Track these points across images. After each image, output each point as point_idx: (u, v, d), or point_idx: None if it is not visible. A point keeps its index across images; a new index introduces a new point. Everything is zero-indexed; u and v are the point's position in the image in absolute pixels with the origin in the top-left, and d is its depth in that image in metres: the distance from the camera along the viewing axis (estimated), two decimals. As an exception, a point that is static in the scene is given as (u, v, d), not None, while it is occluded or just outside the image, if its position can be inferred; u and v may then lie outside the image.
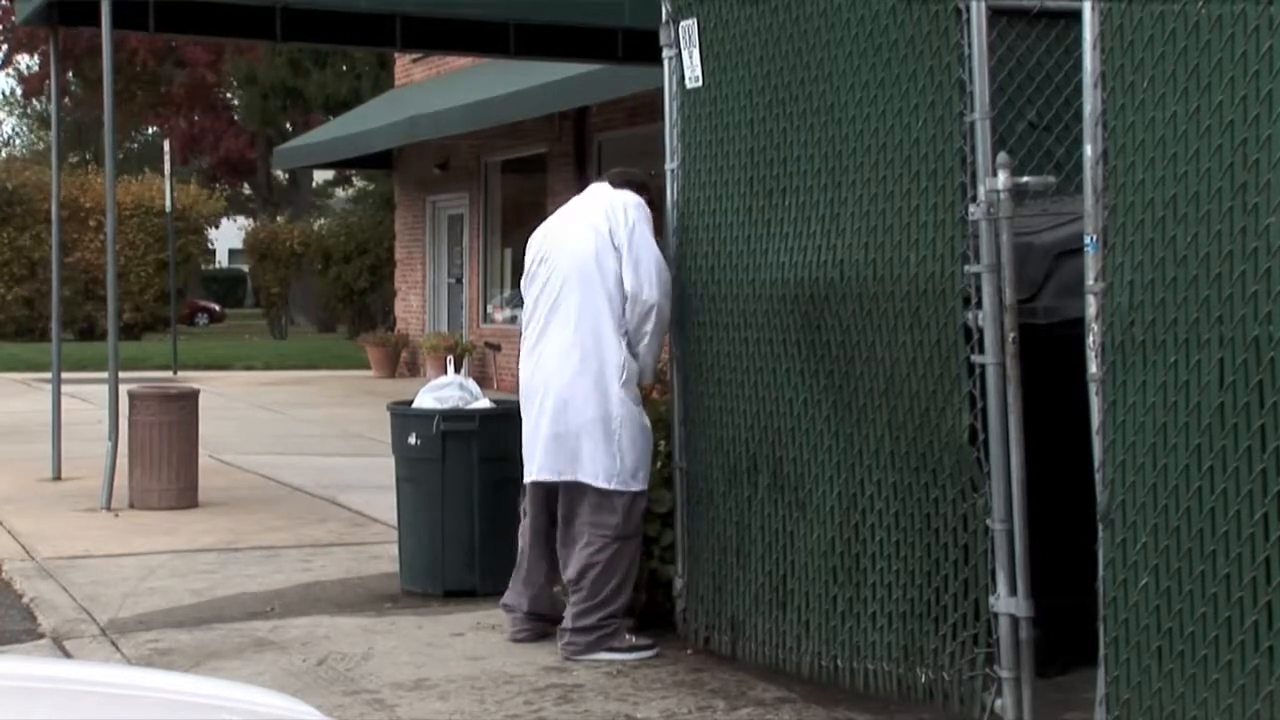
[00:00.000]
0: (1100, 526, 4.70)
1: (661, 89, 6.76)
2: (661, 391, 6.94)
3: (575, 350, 6.39)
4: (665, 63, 6.70)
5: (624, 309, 6.39)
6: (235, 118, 43.95)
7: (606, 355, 6.38)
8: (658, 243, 6.53)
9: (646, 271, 6.36)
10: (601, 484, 6.37)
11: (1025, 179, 5.13)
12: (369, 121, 23.26)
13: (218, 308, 45.97)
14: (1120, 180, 4.59)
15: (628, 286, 6.35)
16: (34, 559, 8.69)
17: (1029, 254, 5.39)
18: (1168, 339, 4.44)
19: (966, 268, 5.16)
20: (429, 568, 7.71)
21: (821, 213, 5.82)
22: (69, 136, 42.47)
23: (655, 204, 6.63)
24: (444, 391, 7.71)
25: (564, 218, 6.65)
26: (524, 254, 6.73)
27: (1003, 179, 5.04)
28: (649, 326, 6.41)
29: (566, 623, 6.39)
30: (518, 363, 6.80)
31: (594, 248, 6.39)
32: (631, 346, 6.44)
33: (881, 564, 5.65)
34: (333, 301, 33.33)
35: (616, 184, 6.64)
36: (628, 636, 6.41)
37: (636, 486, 6.43)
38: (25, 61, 45.63)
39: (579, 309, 6.39)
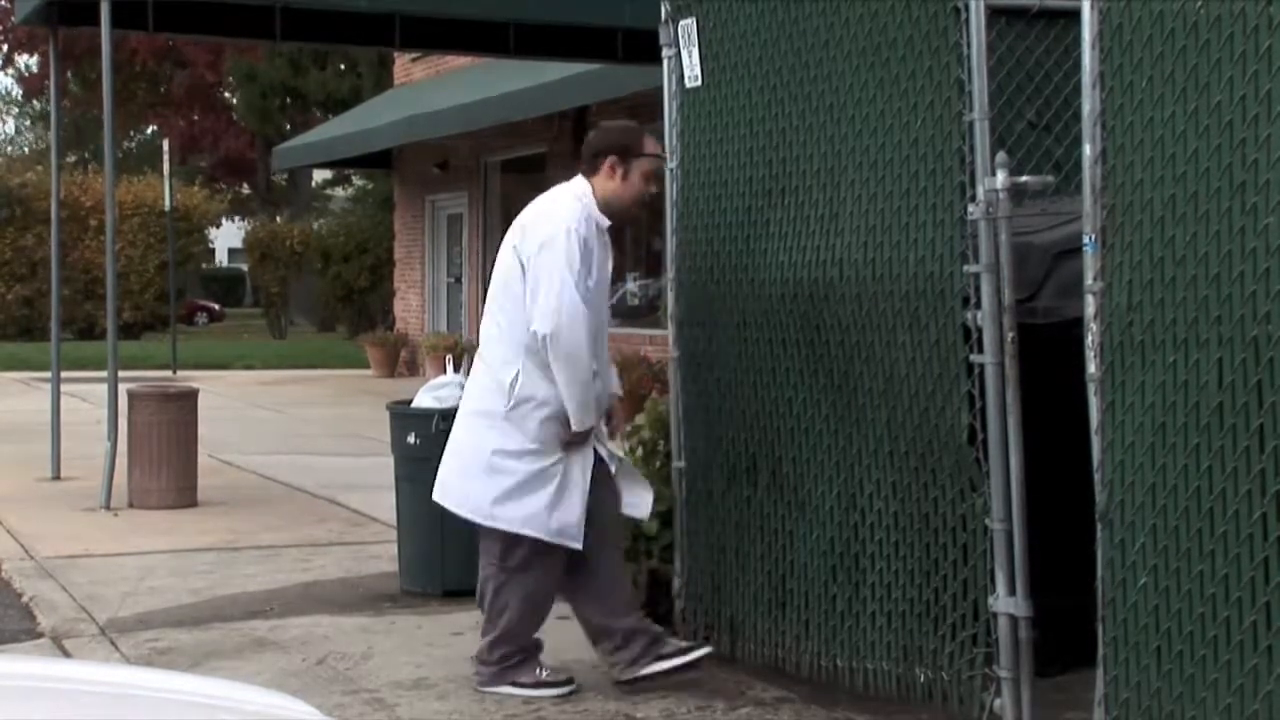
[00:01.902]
0: (1099, 526, 4.70)
1: (661, 89, 6.76)
2: (661, 391, 6.92)
3: (479, 368, 6.06)
4: (665, 62, 6.70)
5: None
6: (235, 117, 43.96)
7: (499, 380, 5.88)
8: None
9: (544, 298, 5.72)
10: (469, 514, 5.97)
11: (1024, 178, 5.13)
12: (368, 121, 23.28)
13: (217, 307, 45.96)
14: (1119, 180, 4.59)
15: (527, 314, 5.80)
16: (33, 558, 8.69)
17: (1028, 254, 5.39)
18: (1166, 339, 4.44)
19: (965, 267, 5.17)
20: (428, 567, 7.72)
21: (821, 212, 5.82)
22: (69, 136, 42.46)
23: (629, 152, 6.00)
24: (443, 391, 7.71)
25: (523, 215, 6.07)
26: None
27: (1001, 178, 5.04)
28: (551, 361, 5.75)
29: (478, 648, 6.09)
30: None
31: (507, 264, 5.90)
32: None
33: (881, 564, 5.65)
34: (332, 301, 33.35)
35: (588, 172, 6.03)
36: (538, 672, 5.94)
37: (513, 529, 5.87)
38: (25, 61, 45.65)
39: (491, 326, 5.97)
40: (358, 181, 44.02)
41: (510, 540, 5.91)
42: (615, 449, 6.16)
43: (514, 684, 5.92)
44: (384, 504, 8.91)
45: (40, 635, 7.07)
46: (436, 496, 6.12)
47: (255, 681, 5.22)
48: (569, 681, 5.95)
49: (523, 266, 5.82)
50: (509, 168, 21.89)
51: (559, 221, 5.83)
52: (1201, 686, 4.37)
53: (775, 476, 6.11)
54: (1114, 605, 4.66)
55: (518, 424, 5.85)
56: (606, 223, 5.95)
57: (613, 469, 6.05)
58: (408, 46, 17.44)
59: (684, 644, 6.04)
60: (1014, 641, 5.12)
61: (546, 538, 5.87)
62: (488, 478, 5.90)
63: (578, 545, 5.86)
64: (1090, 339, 4.69)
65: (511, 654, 5.97)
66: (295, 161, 27.75)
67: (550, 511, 5.85)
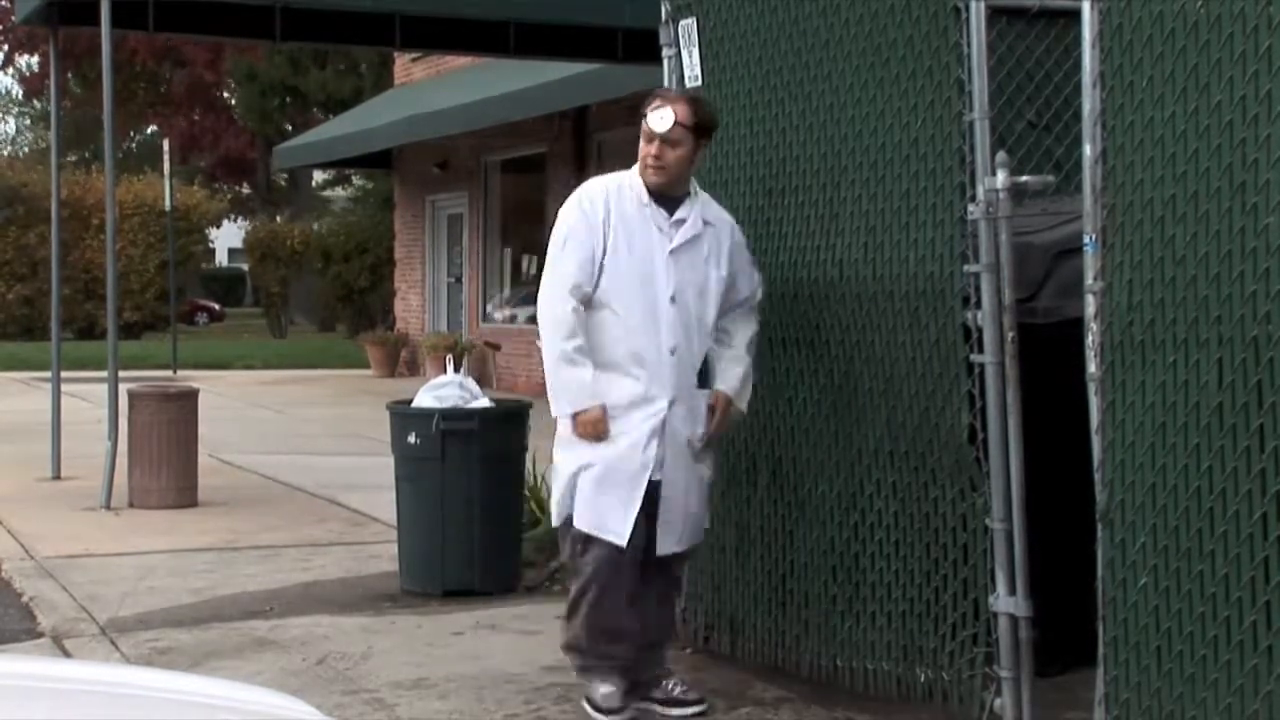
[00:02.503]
0: (1099, 526, 4.70)
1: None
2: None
3: None
4: (665, 62, 6.70)
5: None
6: (235, 117, 43.96)
7: None
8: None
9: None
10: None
11: (1024, 178, 5.13)
12: (369, 121, 23.28)
13: (217, 307, 45.97)
14: (1119, 180, 4.59)
15: None
16: (33, 558, 8.69)
17: (1028, 253, 5.39)
18: (1166, 339, 4.44)
19: (966, 267, 5.16)
20: (428, 567, 7.72)
21: (821, 212, 5.82)
22: (69, 136, 42.49)
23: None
24: (443, 391, 7.72)
25: None
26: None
27: (1001, 178, 5.04)
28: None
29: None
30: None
31: None
32: None
33: (881, 563, 5.64)
34: (332, 301, 33.36)
35: None
36: (598, 686, 5.63)
37: (558, 522, 5.71)
38: (25, 61, 45.65)
39: None
40: (358, 181, 44.04)
41: (574, 540, 5.62)
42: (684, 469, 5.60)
43: (586, 685, 5.72)
44: (384, 504, 8.91)
45: (40, 635, 7.07)
46: None
47: (255, 681, 5.22)
48: (622, 709, 5.62)
49: None
50: (509, 168, 21.88)
51: (568, 199, 5.68)
52: (1202, 686, 4.37)
53: (775, 476, 6.11)
54: (1114, 605, 4.66)
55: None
56: (644, 196, 5.56)
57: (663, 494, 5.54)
58: (408, 46, 17.44)
59: (677, 694, 5.66)
60: (1014, 641, 5.12)
61: (586, 529, 5.54)
62: (557, 477, 5.67)
63: (620, 541, 5.48)
64: (1090, 339, 4.69)
65: (572, 653, 5.73)
66: (295, 161, 27.75)
67: (591, 504, 5.52)
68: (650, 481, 5.51)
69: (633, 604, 5.60)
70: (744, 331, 5.79)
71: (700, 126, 5.59)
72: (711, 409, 5.69)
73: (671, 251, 5.55)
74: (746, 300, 5.79)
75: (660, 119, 5.50)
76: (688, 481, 5.63)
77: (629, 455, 5.49)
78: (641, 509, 5.50)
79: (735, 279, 5.72)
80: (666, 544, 5.61)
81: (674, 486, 5.57)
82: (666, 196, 5.59)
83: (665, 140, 5.51)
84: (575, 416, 5.50)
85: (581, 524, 5.55)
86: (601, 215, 5.51)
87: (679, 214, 5.60)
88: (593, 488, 5.52)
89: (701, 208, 5.66)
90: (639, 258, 5.52)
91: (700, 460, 5.69)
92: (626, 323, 5.50)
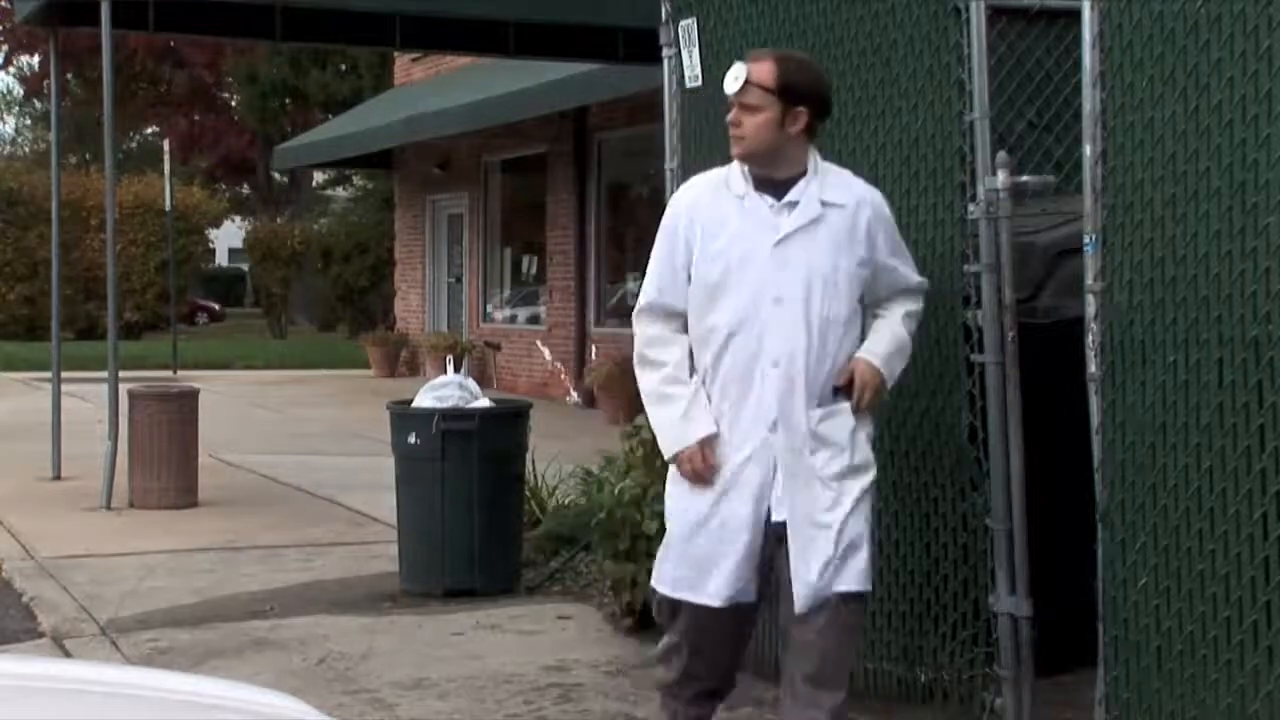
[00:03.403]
0: (1099, 526, 4.70)
1: (661, 89, 6.76)
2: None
3: None
4: (665, 62, 6.70)
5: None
6: (235, 118, 43.99)
7: None
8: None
9: None
10: None
11: (1024, 178, 5.13)
12: (369, 121, 23.28)
13: (218, 307, 45.98)
14: (1119, 180, 4.59)
15: None
16: (34, 558, 8.69)
17: (1029, 253, 5.39)
18: (1167, 339, 4.44)
19: (966, 267, 5.17)
20: (429, 567, 7.72)
21: (821, 212, 5.82)
22: (70, 136, 42.51)
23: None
24: (444, 391, 7.72)
25: None
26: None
27: (1002, 178, 5.04)
28: None
29: None
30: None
31: None
32: None
33: (881, 563, 5.64)
34: (332, 301, 33.38)
35: None
36: None
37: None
38: (26, 61, 45.66)
39: None
40: (358, 181, 44.06)
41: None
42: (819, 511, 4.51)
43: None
44: (384, 504, 8.91)
45: (41, 635, 7.07)
46: None
47: (255, 681, 5.21)
48: None
49: None
50: (509, 168, 21.88)
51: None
52: (1202, 686, 4.37)
53: (775, 476, 6.09)
54: (1114, 605, 4.66)
55: None
56: (741, 186, 4.60)
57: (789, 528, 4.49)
58: (408, 46, 17.45)
59: None
60: (1014, 641, 5.12)
61: (660, 589, 4.71)
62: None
63: (698, 600, 4.58)
64: (1091, 339, 4.69)
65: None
66: (295, 161, 27.77)
67: (674, 560, 4.66)
68: (771, 524, 4.53)
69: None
70: (902, 304, 4.80)
71: (789, 90, 4.51)
72: (847, 388, 4.60)
73: (778, 243, 4.52)
74: (907, 286, 4.83)
75: (732, 78, 4.55)
76: (811, 512, 4.50)
77: (727, 502, 4.55)
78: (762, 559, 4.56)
79: (880, 267, 4.69)
80: (801, 596, 4.49)
81: (794, 524, 4.51)
82: (775, 180, 4.59)
83: (741, 105, 4.53)
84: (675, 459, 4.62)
85: (660, 584, 4.72)
86: (685, 221, 4.63)
87: (790, 196, 4.57)
88: (683, 544, 4.62)
89: (821, 187, 4.59)
90: (730, 259, 4.55)
91: (842, 479, 4.55)
92: (713, 339, 4.57)
